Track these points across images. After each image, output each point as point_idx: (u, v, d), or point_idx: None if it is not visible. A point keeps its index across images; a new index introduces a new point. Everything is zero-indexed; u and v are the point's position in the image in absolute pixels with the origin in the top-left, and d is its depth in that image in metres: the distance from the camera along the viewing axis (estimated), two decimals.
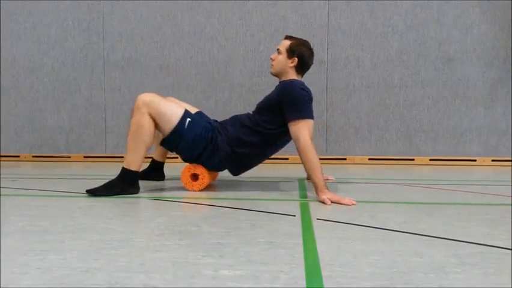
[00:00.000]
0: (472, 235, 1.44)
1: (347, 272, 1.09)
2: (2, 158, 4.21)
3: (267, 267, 1.12)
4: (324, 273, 1.08)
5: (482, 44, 3.88)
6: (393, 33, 3.93)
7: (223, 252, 1.24)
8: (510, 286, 1.00)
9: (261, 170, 3.21)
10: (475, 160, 3.92)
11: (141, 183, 2.31)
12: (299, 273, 1.08)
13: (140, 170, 2.28)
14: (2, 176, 2.96)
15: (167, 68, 4.09)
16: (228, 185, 2.56)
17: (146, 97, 2.20)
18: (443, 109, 3.93)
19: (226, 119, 2.46)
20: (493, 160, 3.90)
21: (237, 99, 4.03)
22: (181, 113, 2.26)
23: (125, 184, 2.20)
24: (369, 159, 3.98)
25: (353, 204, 1.94)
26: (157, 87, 4.09)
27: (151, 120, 2.18)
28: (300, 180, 2.77)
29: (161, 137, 2.50)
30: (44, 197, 2.15)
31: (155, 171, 2.72)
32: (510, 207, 1.91)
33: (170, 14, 4.06)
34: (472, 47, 3.89)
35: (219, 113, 4.15)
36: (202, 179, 2.33)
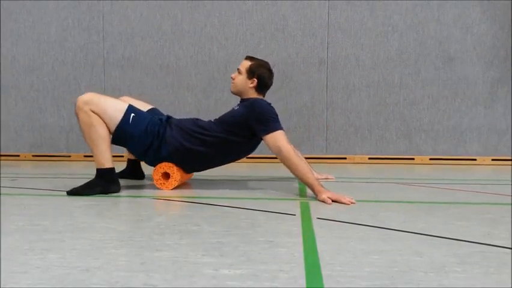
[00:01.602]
0: (472, 234, 1.44)
1: (347, 271, 1.09)
2: (2, 157, 4.21)
3: (267, 266, 1.12)
4: (324, 272, 1.08)
5: (482, 43, 3.88)
6: (393, 32, 3.92)
7: (223, 252, 1.24)
8: (510, 285, 1.00)
9: (261, 169, 3.21)
10: (475, 159, 3.92)
11: (142, 182, 2.31)
12: (299, 273, 1.08)
13: (118, 169, 2.28)
14: (2, 175, 2.96)
15: (167, 68, 4.09)
16: (227, 185, 2.56)
17: (85, 97, 2.18)
18: (443, 108, 3.93)
19: (184, 118, 2.47)
20: (493, 159, 3.90)
21: (236, 98, 4.00)
22: (124, 108, 2.23)
23: (105, 183, 2.19)
24: (369, 158, 3.98)
25: (352, 203, 1.94)
26: (156, 87, 4.10)
27: (96, 116, 2.16)
28: None
29: None
30: (44, 196, 2.15)
31: (133, 171, 2.72)
32: (510, 206, 1.91)
33: (170, 13, 4.06)
34: (472, 47, 3.89)
35: (219, 112, 4.14)
36: (173, 177, 2.31)
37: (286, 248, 1.28)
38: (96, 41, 4.14)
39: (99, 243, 1.32)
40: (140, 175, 2.75)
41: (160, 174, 2.33)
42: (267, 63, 2.44)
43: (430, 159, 3.95)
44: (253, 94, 2.40)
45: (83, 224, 1.59)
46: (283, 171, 3.23)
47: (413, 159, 3.96)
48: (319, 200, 2.01)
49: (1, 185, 2.51)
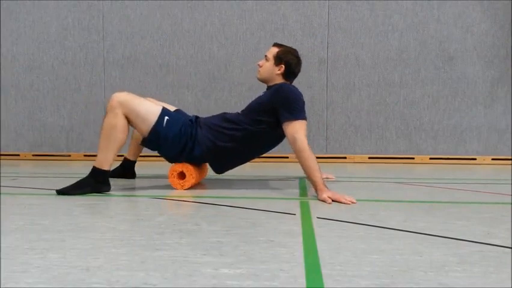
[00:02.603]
0: (472, 234, 1.44)
1: (347, 270, 1.09)
2: (2, 157, 4.21)
3: (267, 265, 1.12)
4: (324, 271, 1.08)
5: (482, 42, 3.88)
6: (393, 31, 3.92)
7: (223, 251, 1.24)
8: (510, 285, 1.00)
9: (261, 169, 3.21)
10: (475, 159, 3.92)
11: (143, 182, 2.31)
12: (299, 272, 1.08)
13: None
14: (2, 175, 2.96)
15: (167, 67, 4.09)
16: (228, 184, 2.56)
17: (121, 96, 2.17)
18: (443, 108, 3.93)
19: (212, 116, 2.46)
20: (493, 159, 3.90)
21: (237, 98, 4.02)
22: (158, 111, 2.23)
23: (96, 183, 2.18)
24: (369, 158, 3.99)
25: (353, 203, 1.94)
26: (156, 86, 4.10)
27: (125, 120, 2.16)
28: (301, 178, 2.77)
29: (135, 136, 2.48)
30: (44, 196, 2.15)
31: (126, 170, 2.72)
32: (510, 206, 1.91)
33: (170, 12, 4.06)
34: (472, 46, 3.89)
35: (219, 111, 4.14)
36: (189, 177, 2.31)
37: (287, 248, 1.28)
38: (96, 40, 4.14)
39: (99, 243, 1.32)
40: (132, 175, 2.75)
41: (176, 173, 2.32)
42: (295, 50, 2.41)
43: (430, 158, 3.95)
44: (279, 80, 2.37)
45: (84, 223, 1.60)
46: (284, 171, 3.24)
47: (413, 158, 3.96)
48: (319, 200, 2.01)
49: (1, 185, 2.51)
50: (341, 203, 1.95)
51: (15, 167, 3.61)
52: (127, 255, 1.20)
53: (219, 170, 2.42)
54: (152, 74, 4.11)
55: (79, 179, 2.20)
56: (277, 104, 2.21)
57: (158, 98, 4.00)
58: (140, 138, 2.45)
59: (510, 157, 3.88)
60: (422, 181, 2.78)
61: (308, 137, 3.72)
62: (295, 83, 2.46)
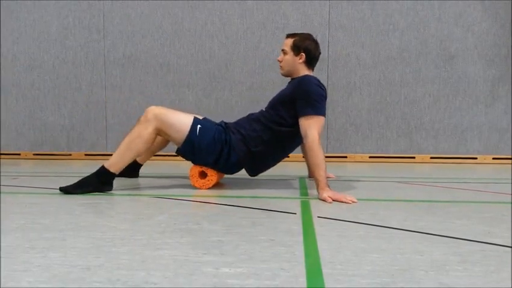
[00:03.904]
0: (473, 233, 1.44)
1: (347, 269, 1.09)
2: (3, 156, 4.21)
3: (267, 264, 1.12)
4: (325, 271, 1.08)
5: (483, 41, 3.87)
6: (394, 30, 3.92)
7: (224, 250, 1.24)
8: (511, 284, 1.00)
9: None
10: (475, 158, 3.91)
11: (143, 181, 2.31)
12: (300, 271, 1.08)
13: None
14: (2, 174, 2.96)
15: (168, 66, 4.09)
16: (228, 183, 2.56)
17: (157, 110, 2.22)
18: (444, 107, 3.93)
19: (239, 119, 2.44)
20: (493, 158, 3.90)
21: (237, 97, 4.02)
22: (190, 121, 2.27)
23: (99, 183, 2.19)
24: (370, 157, 3.98)
25: (354, 202, 1.94)
26: (157, 85, 4.10)
27: (153, 134, 2.21)
28: (301, 178, 2.78)
29: (154, 144, 2.47)
30: (45, 195, 2.16)
31: (131, 171, 2.71)
32: (511, 205, 1.91)
33: (171, 11, 4.06)
34: (473, 45, 3.88)
35: (219, 111, 4.16)
36: (211, 177, 2.33)
37: (287, 247, 1.28)
38: (97, 39, 4.14)
39: (100, 242, 1.32)
40: (136, 175, 2.76)
41: (198, 172, 2.33)
42: (309, 34, 2.38)
43: (431, 157, 3.94)
44: (303, 70, 2.35)
45: (84, 222, 1.60)
46: (284, 170, 3.24)
47: (413, 157, 3.96)
48: (320, 199, 2.01)
49: (2, 184, 2.51)
50: (341, 202, 1.95)
51: (16, 166, 3.62)
52: (128, 254, 1.20)
53: (253, 173, 2.42)
54: (152, 73, 4.11)
55: (81, 177, 2.20)
56: (297, 96, 2.19)
57: (159, 97, 4.04)
58: (156, 147, 2.52)
59: (511, 156, 3.88)
60: (422, 180, 2.77)
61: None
62: None
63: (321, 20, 3.95)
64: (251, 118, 2.37)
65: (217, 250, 1.24)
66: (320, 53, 2.40)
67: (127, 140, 2.20)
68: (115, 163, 2.20)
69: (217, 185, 2.48)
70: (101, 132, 4.17)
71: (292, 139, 2.33)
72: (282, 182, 2.63)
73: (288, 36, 2.39)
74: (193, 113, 2.50)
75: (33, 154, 4.24)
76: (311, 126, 2.13)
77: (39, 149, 4.25)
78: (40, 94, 4.22)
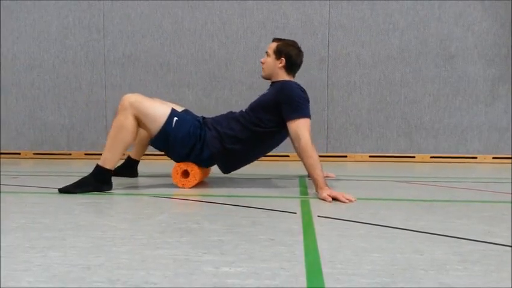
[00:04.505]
0: (473, 232, 1.44)
1: (347, 269, 1.09)
2: (3, 156, 4.21)
3: (267, 264, 1.12)
4: (325, 270, 1.08)
5: (483, 41, 3.87)
6: (394, 30, 3.92)
7: (224, 250, 1.24)
8: (511, 284, 1.00)
9: (262, 168, 3.21)
10: (475, 157, 3.91)
11: (143, 180, 2.31)
12: (300, 271, 1.08)
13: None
14: (2, 174, 2.96)
15: (168, 66, 4.09)
16: (228, 183, 2.56)
17: (132, 97, 2.20)
18: (444, 106, 3.93)
19: (218, 116, 2.46)
20: (493, 157, 3.90)
21: (237, 96, 4.02)
22: (167, 112, 2.25)
23: (98, 182, 2.19)
24: (370, 156, 3.98)
25: (351, 201, 1.94)
26: (157, 85, 4.10)
27: (134, 121, 2.19)
28: (301, 177, 2.78)
29: (140, 136, 2.50)
30: (45, 194, 2.16)
31: (129, 169, 2.73)
32: (511, 204, 1.91)
33: (171, 11, 4.06)
34: (473, 45, 3.88)
35: (220, 110, 4.14)
36: (193, 176, 2.32)
37: (287, 246, 1.28)
38: (97, 39, 4.14)
39: (100, 241, 1.32)
40: (135, 173, 2.76)
41: (180, 171, 2.33)
42: (294, 41, 2.41)
43: (431, 157, 3.94)
44: (283, 75, 2.37)
45: (84, 222, 1.60)
46: (284, 170, 3.24)
47: (413, 157, 3.96)
48: (319, 198, 2.01)
49: (2, 183, 2.51)
50: (340, 201, 1.95)
51: (16, 165, 3.62)
52: (128, 254, 1.20)
53: (226, 170, 2.43)
54: (152, 73, 4.11)
55: (80, 178, 2.20)
56: (281, 101, 2.21)
57: (159, 97, 4.02)
58: (145, 139, 2.47)
59: (511, 156, 3.87)
60: (422, 180, 2.77)
61: None
62: (297, 79, 2.45)
63: (321, 19, 3.95)
64: (230, 117, 2.38)
65: (217, 249, 1.24)
66: (301, 62, 2.42)
67: (112, 133, 2.19)
68: (108, 159, 2.19)
69: (217, 185, 2.48)
70: (101, 132, 4.17)
71: (270, 140, 2.36)
72: (282, 182, 2.63)
73: (274, 40, 2.43)
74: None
75: (34, 153, 4.24)
76: (301, 129, 2.14)
77: (40, 148, 4.25)
78: (40, 93, 4.22)
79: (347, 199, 1.95)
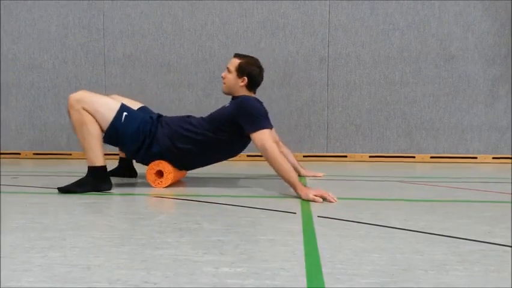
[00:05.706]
0: (473, 232, 1.44)
1: (347, 269, 1.09)
2: (3, 156, 4.21)
3: (267, 264, 1.12)
4: (325, 270, 1.08)
5: (483, 41, 3.87)
6: (394, 30, 3.92)
7: (224, 250, 1.24)
8: (511, 284, 1.00)
9: (262, 168, 3.21)
10: (475, 157, 3.91)
11: (143, 180, 2.31)
12: (300, 271, 1.08)
13: (109, 167, 2.28)
14: (2, 174, 2.96)
15: (168, 66, 4.09)
16: (228, 182, 2.56)
17: (78, 95, 2.20)
18: (444, 106, 3.93)
19: (177, 116, 2.49)
20: (493, 157, 3.90)
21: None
22: (116, 107, 2.26)
23: (96, 181, 2.19)
24: (370, 156, 3.98)
25: (336, 201, 1.94)
26: (157, 85, 4.10)
27: (88, 113, 2.17)
28: (301, 177, 2.77)
29: None
30: (45, 194, 2.16)
31: (124, 169, 2.73)
32: (511, 204, 1.91)
33: (171, 11, 4.06)
34: (473, 45, 3.88)
35: None
36: (167, 175, 2.33)
37: (287, 246, 1.28)
38: (97, 39, 4.14)
39: (100, 241, 1.32)
40: (133, 173, 2.76)
41: (154, 172, 2.34)
42: (256, 60, 2.43)
43: (431, 157, 3.94)
44: (244, 92, 2.41)
45: (84, 222, 1.60)
46: None
47: (413, 157, 3.96)
48: (303, 199, 1.99)
49: (2, 183, 2.51)
50: (328, 200, 1.94)
51: (16, 165, 3.62)
52: (128, 254, 1.20)
53: (180, 168, 2.44)
54: (152, 73, 4.11)
55: (79, 178, 2.20)
56: (240, 117, 2.24)
57: (159, 97, 4.04)
58: None
59: (511, 156, 3.87)
60: (422, 180, 2.77)
61: (309, 136, 3.72)
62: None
63: (321, 19, 3.95)
64: (187, 120, 2.39)
65: (217, 250, 1.24)
66: (262, 79, 2.45)
67: (78, 134, 2.19)
68: (92, 157, 2.18)
69: (216, 185, 2.48)
70: None
71: (227, 146, 2.37)
72: (282, 182, 2.62)
73: (236, 55, 2.44)
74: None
75: (34, 153, 4.24)
76: (265, 139, 2.15)
77: (40, 148, 4.25)
78: (40, 93, 4.22)
79: (332, 198, 1.95)
